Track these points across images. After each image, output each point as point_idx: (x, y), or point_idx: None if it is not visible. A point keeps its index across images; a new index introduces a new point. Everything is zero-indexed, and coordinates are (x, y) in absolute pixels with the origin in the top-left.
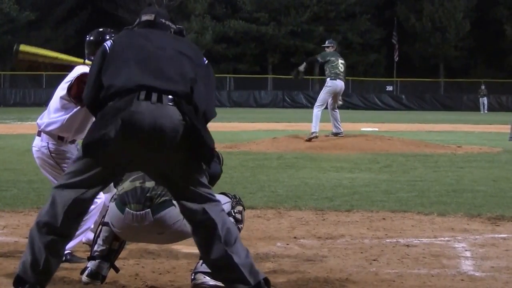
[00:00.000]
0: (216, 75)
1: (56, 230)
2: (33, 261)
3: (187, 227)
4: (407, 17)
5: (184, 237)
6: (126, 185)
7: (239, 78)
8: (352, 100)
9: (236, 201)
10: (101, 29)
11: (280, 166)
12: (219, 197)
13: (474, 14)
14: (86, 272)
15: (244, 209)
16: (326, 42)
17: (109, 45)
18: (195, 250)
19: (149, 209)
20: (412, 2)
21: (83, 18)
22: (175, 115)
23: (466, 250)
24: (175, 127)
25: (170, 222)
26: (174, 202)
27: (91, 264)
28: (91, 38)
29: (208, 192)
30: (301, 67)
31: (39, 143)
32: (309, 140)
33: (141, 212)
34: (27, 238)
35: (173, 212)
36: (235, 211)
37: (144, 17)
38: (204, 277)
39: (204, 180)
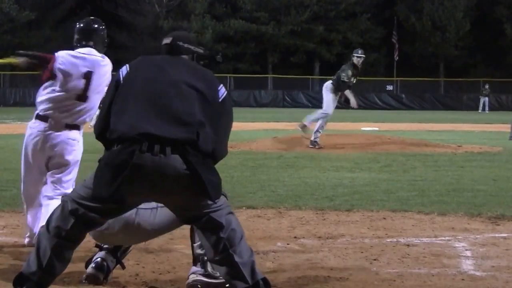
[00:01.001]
0: (216, 75)
1: (64, 234)
2: (37, 261)
3: (156, 224)
4: (407, 17)
5: (154, 235)
6: None
7: (239, 77)
8: None
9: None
10: (92, 18)
11: (280, 165)
12: None
13: (474, 13)
14: (93, 263)
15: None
16: (360, 52)
17: (123, 74)
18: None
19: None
20: (412, 1)
21: (83, 17)
22: (178, 165)
23: (466, 250)
24: (178, 176)
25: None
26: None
27: (98, 255)
28: (81, 25)
29: (212, 208)
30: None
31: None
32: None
33: None
34: (27, 238)
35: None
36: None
37: (164, 41)
38: (197, 276)
39: (210, 204)
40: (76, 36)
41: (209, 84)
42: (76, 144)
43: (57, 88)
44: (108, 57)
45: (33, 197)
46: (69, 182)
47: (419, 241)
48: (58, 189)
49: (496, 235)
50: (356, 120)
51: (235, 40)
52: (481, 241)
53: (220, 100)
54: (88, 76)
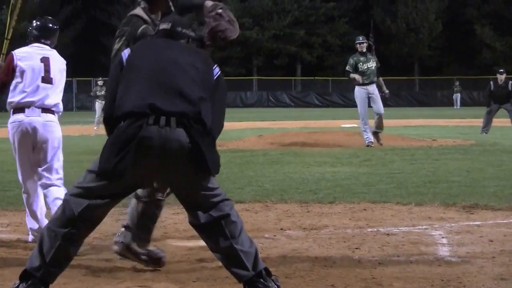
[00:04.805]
0: None
1: (67, 231)
2: (41, 257)
3: None
4: (383, 20)
5: None
6: None
7: (225, 80)
8: (333, 99)
9: None
10: (50, 18)
11: (266, 162)
12: None
13: (446, 15)
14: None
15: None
16: (360, 38)
17: (125, 56)
18: (189, 243)
19: None
20: (387, 5)
21: (78, 27)
22: (183, 138)
23: (442, 237)
24: (182, 149)
25: None
26: None
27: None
28: (41, 23)
29: (215, 193)
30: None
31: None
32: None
33: None
34: (29, 235)
35: None
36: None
37: (162, 26)
38: (118, 246)
39: (212, 183)
40: (35, 33)
41: (205, 63)
42: (54, 125)
43: (23, 77)
44: (102, 64)
45: (33, 189)
46: (59, 166)
47: (398, 230)
48: (51, 175)
49: (470, 223)
50: (336, 117)
51: (221, 44)
52: (456, 229)
53: (215, 77)
54: (45, 60)
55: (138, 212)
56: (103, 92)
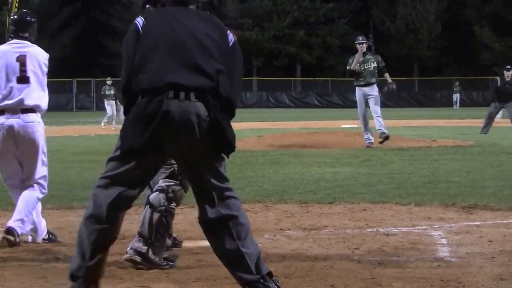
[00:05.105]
0: None
1: (101, 219)
2: (81, 255)
3: None
4: (382, 20)
5: None
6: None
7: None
8: (332, 99)
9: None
10: (25, 10)
11: (266, 162)
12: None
13: (445, 16)
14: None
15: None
16: (359, 38)
17: (141, 24)
18: (189, 243)
19: None
20: (386, 6)
21: (78, 27)
22: (202, 111)
23: (442, 238)
24: (201, 123)
25: None
26: None
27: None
28: (17, 17)
29: (225, 186)
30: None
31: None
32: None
33: None
34: (29, 235)
35: None
36: (169, 190)
37: None
38: (134, 255)
39: (223, 170)
40: (12, 28)
41: (220, 31)
42: (36, 125)
43: None
44: (102, 64)
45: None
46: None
47: (397, 230)
48: (32, 176)
49: (470, 223)
50: (336, 118)
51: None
52: (455, 229)
53: (230, 44)
54: (22, 58)
55: (154, 222)
56: (112, 92)
